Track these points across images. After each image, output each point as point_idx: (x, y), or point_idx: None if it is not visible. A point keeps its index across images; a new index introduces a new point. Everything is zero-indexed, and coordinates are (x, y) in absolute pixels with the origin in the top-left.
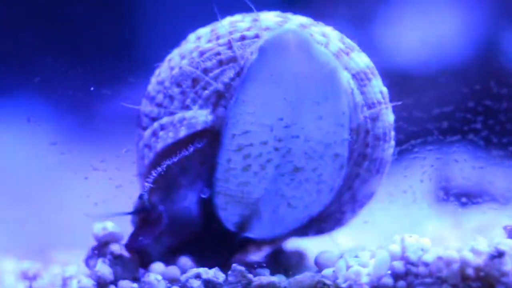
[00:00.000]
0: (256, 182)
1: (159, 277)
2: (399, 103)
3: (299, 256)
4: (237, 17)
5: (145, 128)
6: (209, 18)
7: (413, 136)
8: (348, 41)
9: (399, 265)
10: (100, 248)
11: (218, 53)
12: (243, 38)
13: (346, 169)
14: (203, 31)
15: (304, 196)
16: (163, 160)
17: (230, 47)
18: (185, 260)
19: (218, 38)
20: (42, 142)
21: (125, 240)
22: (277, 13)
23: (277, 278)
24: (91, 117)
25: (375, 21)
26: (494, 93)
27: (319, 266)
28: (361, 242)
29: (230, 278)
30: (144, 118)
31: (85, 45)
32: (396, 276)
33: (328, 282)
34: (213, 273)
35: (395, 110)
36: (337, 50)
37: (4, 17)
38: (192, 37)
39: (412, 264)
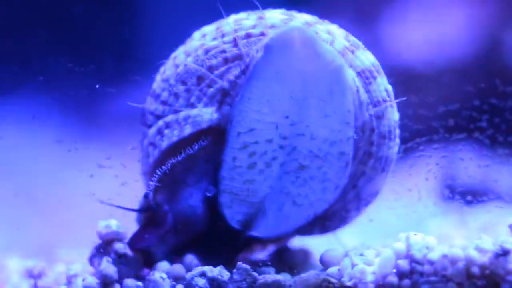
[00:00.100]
0: (261, 180)
1: (164, 275)
2: (404, 98)
3: (304, 254)
4: (242, 15)
5: (149, 126)
6: (214, 16)
7: (418, 134)
8: (353, 39)
9: (404, 264)
10: (104, 246)
11: (224, 51)
12: (248, 36)
13: (351, 167)
14: (208, 29)
15: (309, 194)
16: (168, 159)
17: (235, 45)
18: (191, 258)
19: (223, 35)
20: (47, 139)
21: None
22: (282, 11)
23: (282, 277)
24: (96, 115)
25: (380, 19)
26: (500, 91)
27: (324, 264)
28: (366, 241)
29: (235, 276)
30: (148, 116)
31: (90, 43)
32: (401, 274)
33: (333, 280)
34: (218, 271)
35: (400, 108)
36: (342, 48)
37: (9, 16)
38: (197, 34)
39: (417, 262)
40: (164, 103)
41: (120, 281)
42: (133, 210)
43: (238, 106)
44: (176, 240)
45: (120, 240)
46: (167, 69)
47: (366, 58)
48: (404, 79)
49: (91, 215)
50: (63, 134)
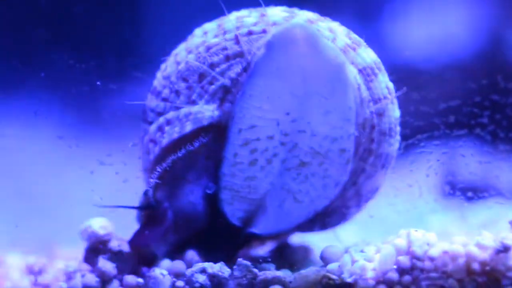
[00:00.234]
0: (262, 176)
1: (165, 272)
2: (404, 90)
3: (305, 251)
4: (244, 12)
5: (150, 123)
6: (215, 13)
7: (419, 130)
8: (354, 36)
9: (404, 260)
10: (94, 248)
11: (225, 48)
12: (250, 33)
13: (352, 164)
14: (210, 26)
15: (310, 191)
16: (168, 155)
17: (237, 42)
18: (192, 254)
19: (225, 33)
20: (48, 135)
21: (116, 237)
22: (284, 8)
23: (282, 273)
24: (98, 112)
25: (381, 17)
26: (501, 87)
27: (325, 260)
28: (366, 237)
29: (236, 273)
30: (149, 113)
31: (91, 40)
32: (401, 270)
33: (333, 276)
34: (218, 268)
35: (401, 104)
36: (344, 45)
37: (11, 13)
38: (198, 31)
39: (418, 258)
40: (165, 100)
41: (118, 277)
42: (132, 207)
43: (239, 103)
44: (177, 237)
45: (103, 242)
46: (169, 66)
47: (368, 55)
48: (405, 76)
49: (92, 211)
50: (65, 130)
